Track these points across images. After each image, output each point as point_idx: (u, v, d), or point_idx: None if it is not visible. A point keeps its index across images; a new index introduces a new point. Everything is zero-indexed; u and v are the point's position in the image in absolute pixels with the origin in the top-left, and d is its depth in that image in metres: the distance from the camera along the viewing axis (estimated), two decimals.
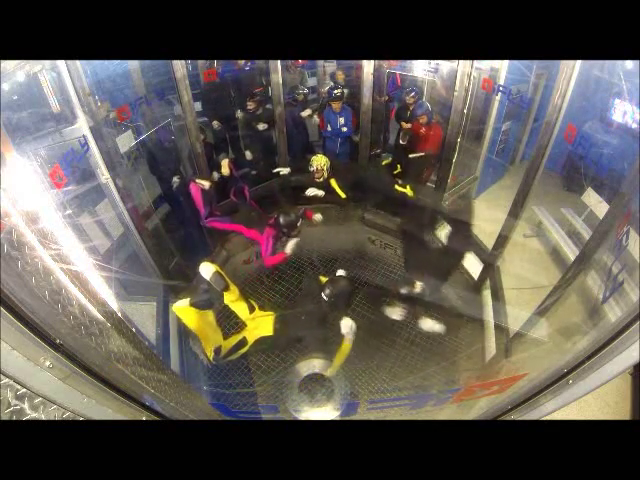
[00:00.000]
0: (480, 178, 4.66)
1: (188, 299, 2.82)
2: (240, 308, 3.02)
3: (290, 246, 3.39)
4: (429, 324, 3.01)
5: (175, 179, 3.92)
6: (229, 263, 4.37)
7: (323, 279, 3.07)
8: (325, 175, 3.70)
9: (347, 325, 2.71)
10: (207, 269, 2.86)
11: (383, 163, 4.29)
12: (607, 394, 2.80)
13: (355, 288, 3.09)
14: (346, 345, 2.77)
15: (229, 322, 3.34)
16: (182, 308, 2.81)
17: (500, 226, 3.35)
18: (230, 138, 5.09)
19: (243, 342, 2.90)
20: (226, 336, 3.05)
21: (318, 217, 3.66)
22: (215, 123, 4.68)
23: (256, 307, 3.09)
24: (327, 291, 2.81)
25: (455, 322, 3.20)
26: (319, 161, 3.67)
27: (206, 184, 3.51)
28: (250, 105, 4.51)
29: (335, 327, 2.81)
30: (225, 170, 3.80)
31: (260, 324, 2.98)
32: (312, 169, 3.70)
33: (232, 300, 3.00)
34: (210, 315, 2.97)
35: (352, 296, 3.03)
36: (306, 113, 4.74)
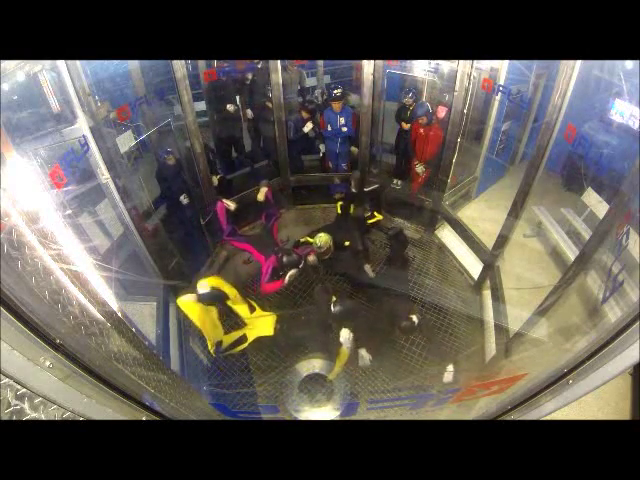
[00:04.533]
0: (480, 178, 4.66)
1: (193, 294, 2.90)
2: (241, 308, 3.09)
3: (289, 276, 3.48)
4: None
5: (182, 197, 3.98)
6: (229, 263, 4.37)
7: (333, 297, 3.19)
8: (332, 250, 3.71)
9: (345, 336, 2.89)
10: (203, 287, 2.97)
11: (337, 198, 4.48)
12: (607, 394, 2.80)
13: (361, 309, 3.24)
14: (344, 352, 2.90)
15: (230, 321, 3.37)
16: (187, 302, 2.89)
17: (500, 226, 3.35)
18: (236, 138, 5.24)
19: (243, 339, 3.01)
20: (227, 332, 3.12)
21: (312, 259, 3.72)
22: (230, 106, 4.84)
23: (256, 307, 3.17)
24: (337, 308, 2.97)
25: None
26: (326, 240, 3.64)
27: (232, 205, 3.78)
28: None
29: (337, 332, 2.94)
30: (261, 197, 3.97)
31: (260, 324, 3.05)
32: (322, 250, 3.62)
33: (232, 301, 3.07)
34: (213, 311, 3.04)
35: (358, 314, 3.18)
36: (308, 128, 4.78)
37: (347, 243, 3.92)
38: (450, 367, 2.99)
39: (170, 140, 4.10)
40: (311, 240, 3.84)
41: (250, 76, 5.02)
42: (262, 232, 4.09)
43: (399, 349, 3.38)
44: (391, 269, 3.92)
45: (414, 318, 2.99)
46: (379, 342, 3.23)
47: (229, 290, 3.12)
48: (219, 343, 2.98)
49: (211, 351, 2.94)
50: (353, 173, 4.64)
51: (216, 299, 3.03)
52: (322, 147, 5.04)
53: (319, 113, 5.06)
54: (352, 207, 4.35)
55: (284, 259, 3.45)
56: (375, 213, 4.31)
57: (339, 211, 4.36)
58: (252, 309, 3.14)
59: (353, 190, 4.45)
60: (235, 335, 3.03)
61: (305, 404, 3.03)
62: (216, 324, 3.07)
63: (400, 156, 5.11)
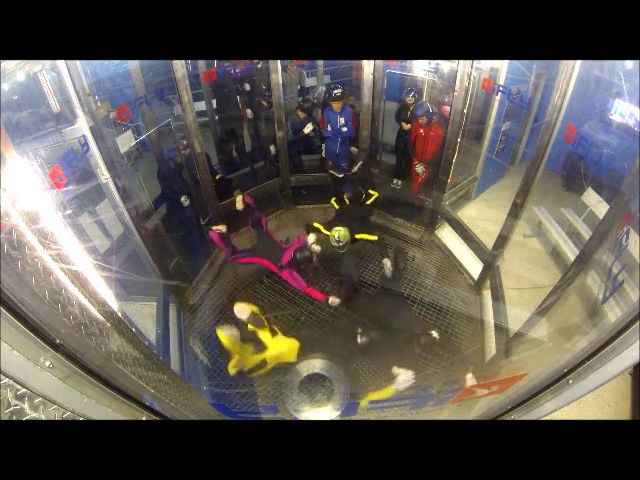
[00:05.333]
0: (480, 178, 4.66)
1: (236, 332, 2.92)
2: (262, 332, 3.07)
3: (334, 301, 3.53)
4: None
5: (183, 199, 3.99)
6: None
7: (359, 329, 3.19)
8: (348, 245, 3.76)
9: (407, 378, 2.70)
10: (243, 311, 2.97)
11: (332, 202, 4.41)
12: (607, 394, 2.80)
13: (387, 340, 3.16)
14: (390, 390, 2.77)
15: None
16: (226, 337, 2.91)
17: (500, 226, 3.35)
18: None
19: (263, 363, 2.98)
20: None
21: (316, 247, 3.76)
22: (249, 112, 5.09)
23: (278, 332, 3.16)
24: (364, 340, 2.96)
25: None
26: (345, 234, 3.69)
27: (223, 229, 3.75)
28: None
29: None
30: (240, 205, 3.89)
31: (283, 349, 3.05)
32: (340, 244, 3.66)
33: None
34: (250, 346, 3.04)
35: (385, 345, 3.11)
36: (308, 129, 4.77)
37: (359, 236, 3.88)
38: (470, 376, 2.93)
39: (170, 140, 4.11)
40: (327, 232, 3.82)
41: (248, 87, 5.03)
42: (259, 239, 4.05)
43: (399, 349, 3.38)
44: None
45: (434, 333, 2.94)
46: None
47: (257, 312, 3.13)
48: (241, 369, 2.98)
49: (232, 372, 2.95)
50: (331, 163, 4.64)
51: (260, 325, 3.05)
52: (322, 147, 5.05)
53: (318, 112, 5.06)
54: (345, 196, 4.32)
55: (297, 256, 3.49)
56: (370, 191, 4.24)
57: (336, 206, 4.31)
58: (273, 333, 3.11)
59: (339, 176, 4.44)
60: (256, 359, 3.00)
61: (305, 404, 3.03)
62: (250, 354, 3.05)
63: (400, 156, 5.11)
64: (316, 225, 4.00)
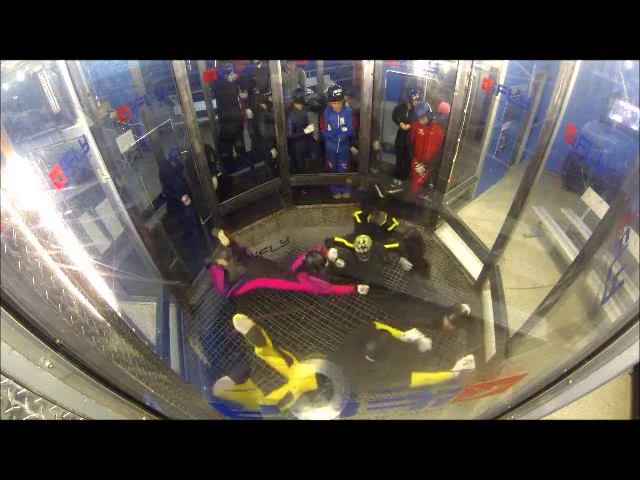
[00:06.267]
0: (480, 178, 4.67)
1: (227, 378, 2.74)
2: (277, 362, 2.97)
3: (363, 288, 3.61)
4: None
5: (184, 198, 4.00)
6: (229, 263, 4.36)
7: (379, 325, 3.17)
8: (370, 254, 3.83)
9: (469, 361, 2.68)
10: (244, 324, 2.87)
11: (356, 215, 4.46)
12: (607, 394, 2.80)
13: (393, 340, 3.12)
14: (448, 374, 2.72)
15: (269, 377, 3.22)
16: (224, 392, 2.77)
17: (500, 226, 3.35)
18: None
19: (289, 397, 2.84)
20: (267, 392, 2.95)
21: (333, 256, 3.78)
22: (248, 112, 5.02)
23: (294, 359, 3.04)
24: (369, 348, 2.90)
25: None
26: (370, 242, 3.78)
27: (225, 262, 3.70)
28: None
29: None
30: (225, 240, 3.79)
31: (303, 377, 2.96)
32: (365, 250, 3.74)
33: (266, 354, 2.95)
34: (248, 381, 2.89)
35: (392, 347, 3.06)
36: (309, 130, 4.78)
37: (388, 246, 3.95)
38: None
39: (170, 140, 4.11)
40: (349, 244, 3.88)
41: (245, 95, 5.03)
42: (249, 264, 3.94)
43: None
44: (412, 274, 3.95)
45: (466, 307, 2.90)
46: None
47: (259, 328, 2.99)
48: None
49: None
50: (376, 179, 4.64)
51: (260, 342, 2.87)
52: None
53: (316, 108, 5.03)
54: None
55: (309, 260, 3.50)
56: (392, 219, 4.33)
57: (359, 220, 4.36)
58: (289, 361, 2.96)
59: (381, 196, 4.48)
60: (279, 394, 2.84)
61: (305, 404, 3.02)
62: (254, 389, 2.90)
63: (400, 156, 5.11)
64: (339, 239, 4.02)
